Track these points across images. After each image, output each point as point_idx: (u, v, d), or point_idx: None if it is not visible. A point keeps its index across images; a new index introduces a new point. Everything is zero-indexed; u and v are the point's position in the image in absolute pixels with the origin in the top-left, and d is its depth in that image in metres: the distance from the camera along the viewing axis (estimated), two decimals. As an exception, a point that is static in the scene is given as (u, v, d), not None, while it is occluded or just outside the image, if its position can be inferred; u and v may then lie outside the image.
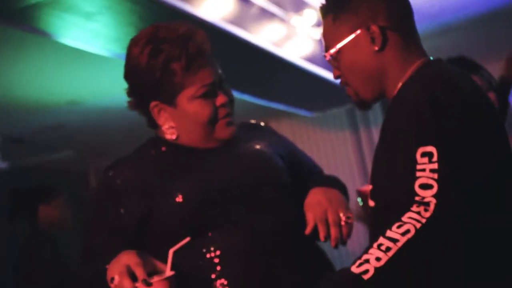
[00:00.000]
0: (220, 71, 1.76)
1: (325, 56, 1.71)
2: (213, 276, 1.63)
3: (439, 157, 1.40)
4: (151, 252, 1.58)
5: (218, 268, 1.63)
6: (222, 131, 1.75)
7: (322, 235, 1.68)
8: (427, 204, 1.37)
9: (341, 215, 1.70)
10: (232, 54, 4.31)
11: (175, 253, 1.54)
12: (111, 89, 4.93)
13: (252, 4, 4.33)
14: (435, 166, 1.40)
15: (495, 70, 3.59)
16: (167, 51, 1.68)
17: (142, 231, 1.68)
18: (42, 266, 3.89)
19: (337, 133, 7.26)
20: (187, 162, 1.74)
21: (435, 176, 1.39)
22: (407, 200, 1.39)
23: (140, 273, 1.46)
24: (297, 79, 5.08)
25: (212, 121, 1.73)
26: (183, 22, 1.75)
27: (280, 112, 6.46)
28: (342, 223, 1.70)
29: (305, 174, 1.89)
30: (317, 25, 5.02)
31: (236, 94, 5.78)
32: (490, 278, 1.44)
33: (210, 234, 1.65)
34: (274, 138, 1.90)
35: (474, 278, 1.40)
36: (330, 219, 1.69)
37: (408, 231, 1.35)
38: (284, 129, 7.27)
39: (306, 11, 4.92)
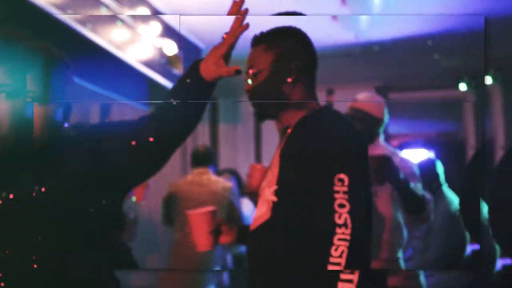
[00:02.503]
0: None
1: (246, 73, 2.00)
2: None
3: (349, 182, 1.81)
4: None
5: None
6: None
7: None
8: (345, 225, 1.77)
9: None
10: (80, 51, 4.91)
11: None
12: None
13: (103, 11, 4.90)
14: (346, 189, 1.81)
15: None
16: None
17: None
18: None
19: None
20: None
21: (346, 197, 1.80)
22: (329, 217, 1.79)
23: None
24: (136, 78, 5.65)
25: None
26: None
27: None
28: None
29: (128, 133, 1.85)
30: (160, 35, 5.68)
31: (84, 82, 5.87)
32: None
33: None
34: (83, 146, 1.84)
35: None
36: None
37: (343, 252, 1.77)
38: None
39: (153, 23, 5.59)
